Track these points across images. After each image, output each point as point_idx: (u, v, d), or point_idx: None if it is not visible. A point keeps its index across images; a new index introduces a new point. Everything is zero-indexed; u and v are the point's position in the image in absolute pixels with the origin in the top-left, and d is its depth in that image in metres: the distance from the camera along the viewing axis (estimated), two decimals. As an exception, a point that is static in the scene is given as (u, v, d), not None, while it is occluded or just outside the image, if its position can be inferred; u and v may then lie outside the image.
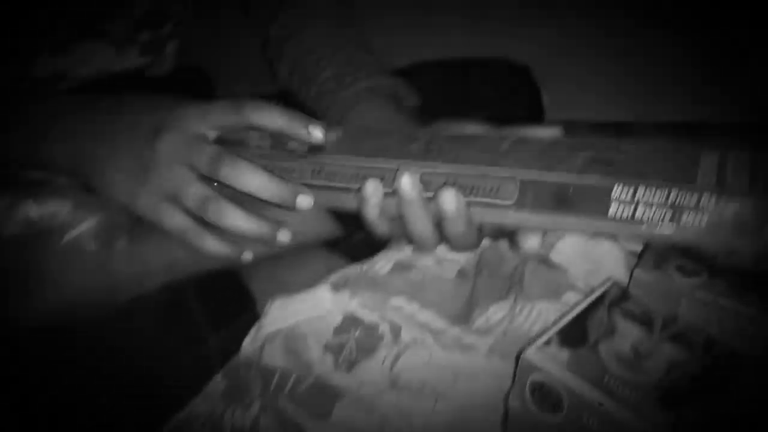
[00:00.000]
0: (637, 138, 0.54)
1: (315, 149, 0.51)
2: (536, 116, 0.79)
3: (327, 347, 0.57)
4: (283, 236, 0.50)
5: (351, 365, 0.56)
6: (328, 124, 0.71)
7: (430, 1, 1.11)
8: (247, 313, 0.61)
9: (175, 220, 0.50)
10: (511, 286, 0.62)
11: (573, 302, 0.58)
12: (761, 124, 0.98)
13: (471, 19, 1.12)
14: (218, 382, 0.57)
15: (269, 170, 0.50)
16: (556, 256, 0.64)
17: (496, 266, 0.65)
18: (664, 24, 1.09)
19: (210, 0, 0.84)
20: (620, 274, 0.61)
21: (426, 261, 0.65)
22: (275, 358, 0.57)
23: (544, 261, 0.64)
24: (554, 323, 0.48)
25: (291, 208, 0.49)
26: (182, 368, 0.58)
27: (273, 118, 0.50)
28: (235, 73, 0.83)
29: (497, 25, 1.14)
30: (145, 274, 0.58)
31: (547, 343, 0.46)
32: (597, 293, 0.50)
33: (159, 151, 0.50)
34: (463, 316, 0.60)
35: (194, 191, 0.49)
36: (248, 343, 0.59)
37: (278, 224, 0.50)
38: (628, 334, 0.46)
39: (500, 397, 0.51)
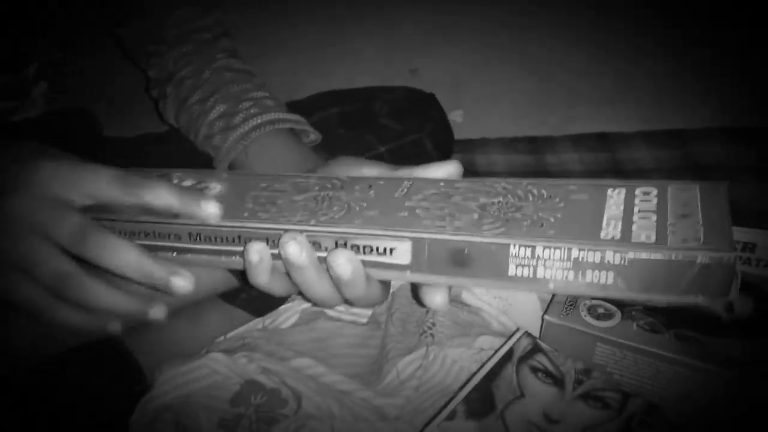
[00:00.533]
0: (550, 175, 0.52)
1: None
2: (444, 143, 0.76)
3: (222, 423, 0.51)
4: (157, 313, 0.44)
5: (250, 440, 0.51)
6: (220, 167, 0.66)
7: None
8: (135, 385, 0.55)
9: (23, 291, 0.43)
10: (423, 332, 0.58)
11: (488, 347, 0.55)
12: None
13: (379, 36, 1.08)
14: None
15: (142, 237, 0.45)
16: (467, 297, 0.61)
17: (407, 310, 0.61)
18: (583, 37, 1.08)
19: (83, 39, 0.77)
20: (534, 312, 0.58)
21: (334, 310, 0.61)
22: (166, 437, 0.52)
23: (455, 301, 0.61)
24: (460, 388, 0.44)
25: (166, 290, 0.43)
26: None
27: (162, 197, 0.44)
28: (121, 113, 0.77)
29: (408, 41, 1.11)
30: (5, 356, 0.51)
31: (451, 416, 0.42)
32: (505, 348, 0.46)
33: (9, 215, 0.43)
34: (373, 373, 0.56)
35: (51, 268, 0.43)
36: (136, 419, 0.53)
37: (151, 299, 0.45)
38: (539, 394, 0.43)
39: None
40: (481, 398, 0.43)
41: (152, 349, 0.58)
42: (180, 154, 0.72)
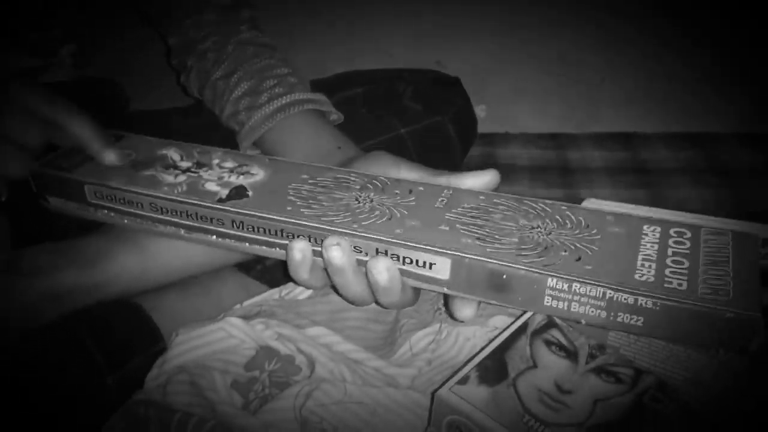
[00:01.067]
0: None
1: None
2: (467, 129, 0.76)
3: (235, 385, 0.52)
4: None
5: (262, 402, 0.51)
6: (244, 145, 0.67)
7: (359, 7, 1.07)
8: (151, 348, 0.56)
9: None
10: (437, 309, 0.59)
11: (501, 325, 0.55)
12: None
13: (406, 27, 1.09)
14: (115, 423, 0.51)
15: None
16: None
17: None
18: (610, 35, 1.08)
19: (109, 8, 0.78)
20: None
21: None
22: (179, 395, 0.52)
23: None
24: (473, 357, 0.44)
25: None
26: (77, 410, 0.53)
27: (77, 126, 0.53)
28: (148, 85, 0.78)
29: (434, 33, 1.11)
30: (30, 307, 0.52)
31: (464, 381, 0.42)
32: (519, 321, 0.46)
33: None
34: (386, 346, 0.56)
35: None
36: (151, 379, 0.54)
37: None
38: (551, 366, 0.43)
39: None
40: (494, 366, 0.43)
41: (169, 314, 0.59)
42: (205, 128, 0.74)
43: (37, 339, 0.51)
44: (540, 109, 1.10)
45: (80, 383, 0.52)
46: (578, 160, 1.01)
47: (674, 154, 1.00)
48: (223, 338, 0.55)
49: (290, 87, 0.65)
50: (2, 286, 0.51)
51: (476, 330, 0.55)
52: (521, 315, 0.47)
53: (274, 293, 0.61)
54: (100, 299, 0.54)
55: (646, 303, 0.40)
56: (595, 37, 1.07)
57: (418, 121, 0.69)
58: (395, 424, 0.49)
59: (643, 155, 1.01)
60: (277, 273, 0.61)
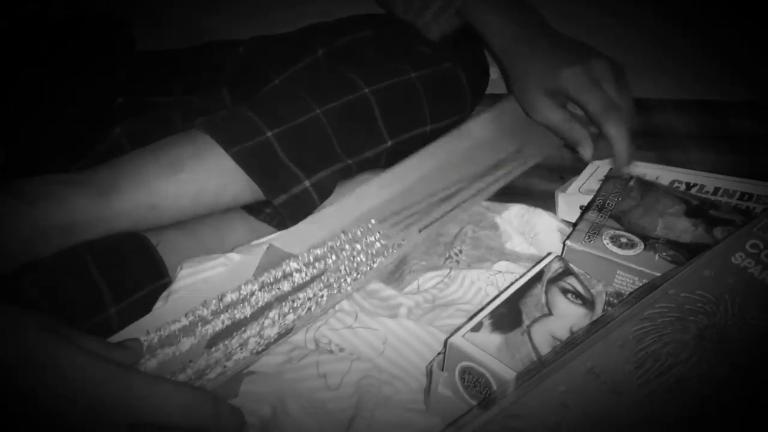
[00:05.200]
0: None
1: None
2: (478, 78, 0.74)
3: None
4: None
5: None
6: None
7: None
8: (156, 281, 0.55)
9: None
10: (449, 257, 0.58)
11: (505, 269, 0.54)
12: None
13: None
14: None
15: None
16: (500, 222, 0.60)
17: (436, 231, 0.60)
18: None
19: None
20: (555, 245, 0.58)
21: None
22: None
23: (486, 224, 0.60)
24: (486, 304, 0.43)
25: None
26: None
27: None
28: (152, 22, 0.75)
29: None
30: (38, 236, 0.51)
31: (477, 328, 0.41)
32: (535, 269, 0.45)
33: None
34: (393, 280, 0.55)
35: None
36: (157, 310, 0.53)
37: None
38: (567, 314, 0.42)
39: (423, 364, 0.47)
40: (508, 314, 0.42)
41: (176, 252, 0.57)
42: (215, 68, 0.71)
43: (40, 266, 0.50)
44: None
45: (82, 312, 0.51)
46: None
47: (686, 121, 0.98)
48: (224, 269, 0.54)
49: None
50: (12, 213, 0.50)
51: (480, 273, 0.54)
52: (539, 261, 0.46)
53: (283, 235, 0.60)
54: (107, 233, 0.53)
55: None
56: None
57: (427, 66, 0.67)
58: (404, 352, 0.48)
59: (655, 120, 0.99)
60: (285, 216, 0.60)
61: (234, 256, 0.54)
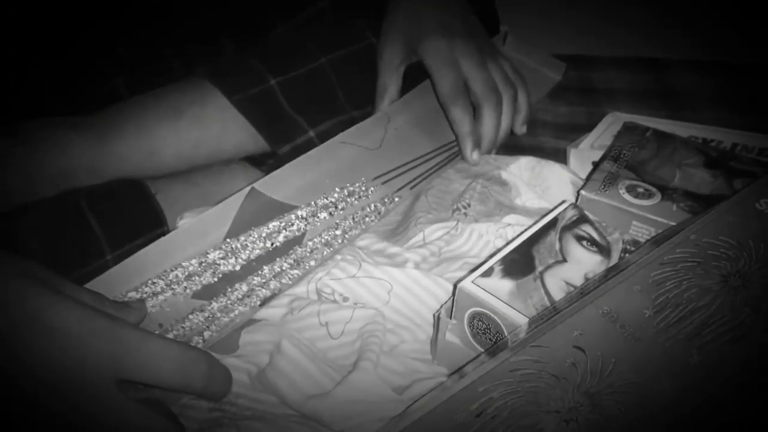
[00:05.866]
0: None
1: None
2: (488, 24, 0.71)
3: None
4: None
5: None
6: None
7: None
8: (154, 230, 0.53)
9: None
10: (457, 209, 0.56)
11: (514, 222, 0.52)
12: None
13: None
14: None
15: None
16: (507, 176, 0.58)
17: (444, 189, 0.58)
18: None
19: None
20: (569, 196, 0.56)
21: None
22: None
23: (494, 179, 0.58)
24: (498, 250, 0.41)
25: None
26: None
27: None
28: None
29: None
30: (35, 178, 0.49)
31: (488, 273, 0.39)
32: (549, 216, 0.43)
33: None
34: (398, 234, 0.54)
35: None
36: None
37: None
38: (582, 261, 0.40)
39: (430, 314, 0.46)
40: (520, 260, 0.40)
41: (175, 200, 0.56)
42: (213, 5, 0.69)
43: (37, 209, 0.49)
44: (562, 32, 1.04)
45: (79, 258, 0.49)
46: (602, 81, 0.96)
47: (701, 80, 0.95)
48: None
49: None
50: (12, 153, 0.48)
51: (489, 227, 0.52)
52: (553, 209, 0.44)
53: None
54: (107, 179, 0.52)
55: None
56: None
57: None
58: (409, 302, 0.47)
59: (670, 79, 0.97)
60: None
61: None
